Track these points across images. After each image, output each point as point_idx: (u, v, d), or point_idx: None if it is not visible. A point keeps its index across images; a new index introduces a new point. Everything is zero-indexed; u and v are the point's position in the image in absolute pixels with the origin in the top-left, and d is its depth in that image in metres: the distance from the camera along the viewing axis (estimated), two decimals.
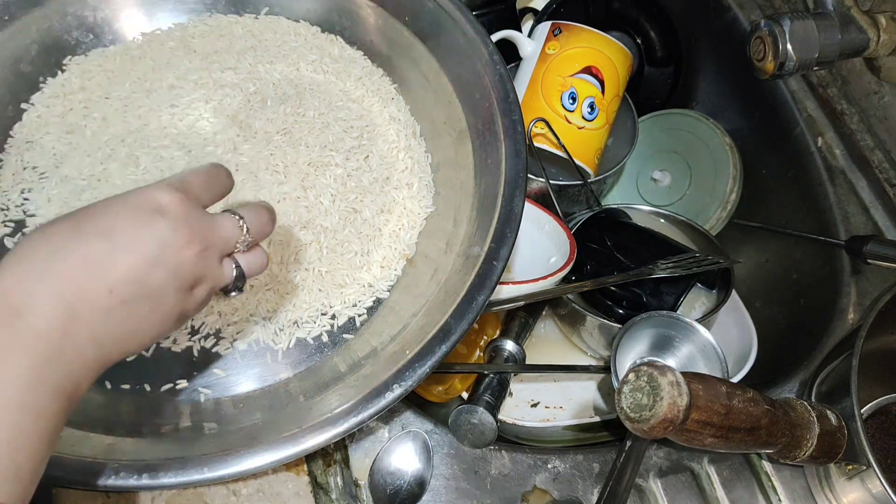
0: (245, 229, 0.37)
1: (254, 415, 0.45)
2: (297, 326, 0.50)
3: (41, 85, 0.56)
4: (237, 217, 0.37)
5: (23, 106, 0.55)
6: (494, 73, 0.52)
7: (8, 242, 0.51)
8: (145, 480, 0.38)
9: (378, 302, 0.51)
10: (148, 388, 0.47)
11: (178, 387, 0.47)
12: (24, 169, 0.53)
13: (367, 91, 0.59)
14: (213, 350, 0.49)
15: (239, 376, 0.48)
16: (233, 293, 0.39)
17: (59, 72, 0.57)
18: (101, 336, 0.31)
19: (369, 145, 0.56)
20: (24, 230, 0.51)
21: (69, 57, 0.58)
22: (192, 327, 0.49)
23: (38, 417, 0.29)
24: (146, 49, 0.59)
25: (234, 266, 0.38)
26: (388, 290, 0.52)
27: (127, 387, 0.47)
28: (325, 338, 0.50)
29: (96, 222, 0.32)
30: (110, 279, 0.31)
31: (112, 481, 0.38)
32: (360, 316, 0.51)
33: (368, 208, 0.53)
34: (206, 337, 0.49)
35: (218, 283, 0.37)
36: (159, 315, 0.34)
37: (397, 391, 0.41)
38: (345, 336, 0.50)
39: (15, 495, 0.28)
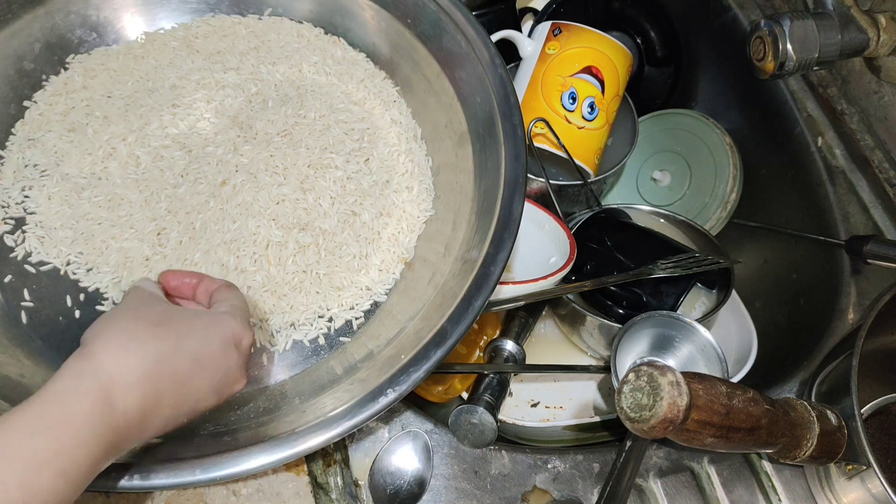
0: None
1: (249, 416, 0.45)
2: (294, 329, 0.50)
3: (44, 83, 0.57)
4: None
5: (25, 103, 0.56)
6: (495, 75, 0.52)
7: (8, 240, 0.51)
8: (136, 481, 0.38)
9: (375, 305, 0.51)
10: None
11: None
12: (26, 166, 0.53)
13: (368, 93, 0.59)
14: None
15: None
16: None
17: (62, 70, 0.57)
18: (155, 431, 0.35)
19: (370, 148, 0.56)
20: (24, 227, 0.51)
21: (72, 55, 0.58)
22: None
23: (75, 488, 0.31)
24: (149, 48, 0.59)
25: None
26: (386, 294, 0.52)
27: None
28: (321, 340, 0.50)
29: (190, 342, 0.37)
30: (187, 396, 0.36)
31: (103, 481, 0.38)
32: (357, 319, 0.51)
33: (368, 211, 0.53)
34: None
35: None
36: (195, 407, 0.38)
37: (391, 395, 0.41)
38: (341, 339, 0.50)
39: None
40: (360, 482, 0.50)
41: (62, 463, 0.30)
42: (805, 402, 0.48)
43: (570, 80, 0.70)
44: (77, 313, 0.49)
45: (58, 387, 0.32)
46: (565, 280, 0.61)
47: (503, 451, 0.53)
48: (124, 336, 0.35)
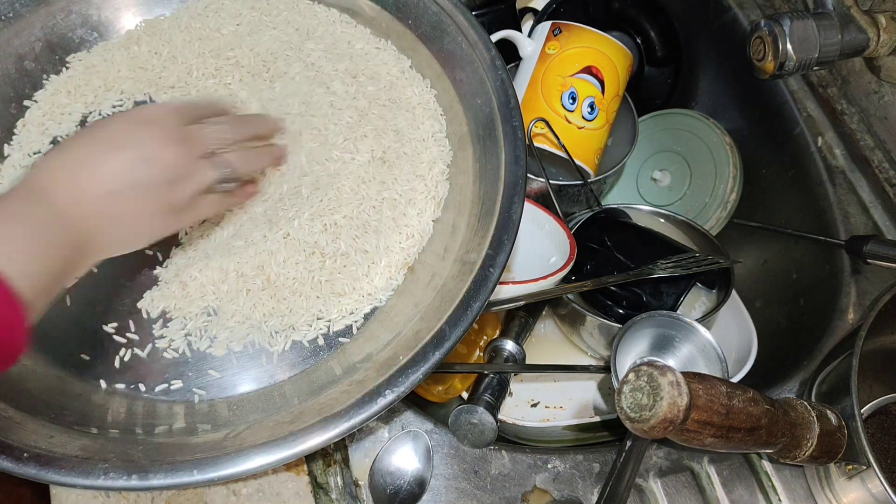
0: (227, 133, 0.44)
1: (247, 417, 0.45)
2: (294, 330, 0.49)
3: (44, 82, 0.57)
4: (219, 125, 0.44)
5: (26, 103, 0.56)
6: (496, 78, 0.52)
7: None
8: (134, 481, 0.38)
9: (375, 308, 0.51)
10: (142, 387, 0.47)
11: (172, 387, 0.47)
12: (27, 166, 0.53)
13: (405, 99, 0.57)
14: (208, 351, 0.48)
15: (234, 378, 0.48)
16: (224, 186, 0.45)
17: (63, 69, 0.57)
18: (97, 217, 0.39)
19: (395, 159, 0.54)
20: None
21: (73, 54, 0.58)
22: (189, 328, 0.49)
23: (45, 255, 0.36)
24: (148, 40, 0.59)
25: (218, 165, 0.43)
26: (387, 298, 0.51)
27: (122, 386, 0.47)
28: (321, 341, 0.49)
29: (97, 133, 0.40)
30: (102, 174, 0.39)
31: (101, 482, 0.38)
32: (356, 322, 0.50)
33: (377, 219, 0.52)
34: (202, 338, 0.49)
35: (203, 181, 0.42)
36: (149, 207, 0.40)
37: (389, 397, 0.41)
38: (341, 340, 0.49)
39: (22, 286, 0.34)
40: (360, 482, 0.50)
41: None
42: (805, 402, 0.48)
43: (570, 80, 0.70)
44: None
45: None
46: (565, 280, 0.61)
47: (503, 451, 0.53)
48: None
